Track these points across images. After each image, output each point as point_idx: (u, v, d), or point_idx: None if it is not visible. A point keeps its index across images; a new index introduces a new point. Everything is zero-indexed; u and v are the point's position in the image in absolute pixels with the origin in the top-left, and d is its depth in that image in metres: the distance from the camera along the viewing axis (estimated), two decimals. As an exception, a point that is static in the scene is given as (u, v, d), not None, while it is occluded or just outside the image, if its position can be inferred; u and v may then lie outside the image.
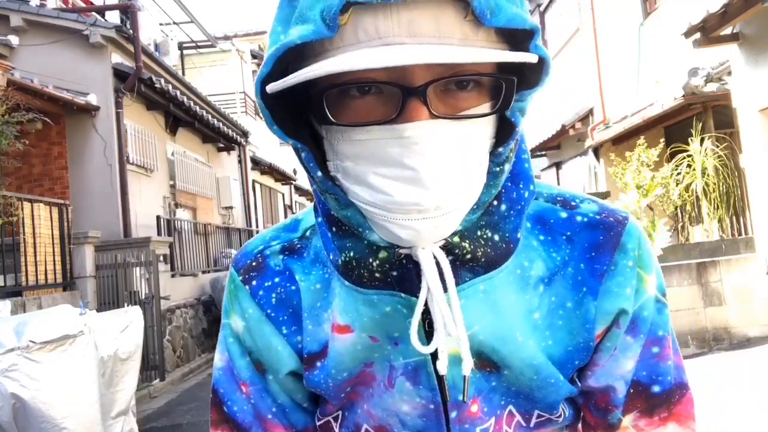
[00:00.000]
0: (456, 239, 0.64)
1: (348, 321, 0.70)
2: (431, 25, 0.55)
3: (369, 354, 0.71)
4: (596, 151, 11.09)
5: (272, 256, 0.76)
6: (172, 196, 10.58)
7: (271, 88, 0.57)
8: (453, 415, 0.70)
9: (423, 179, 0.57)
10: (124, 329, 4.63)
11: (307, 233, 0.77)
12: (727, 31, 6.46)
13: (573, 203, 0.72)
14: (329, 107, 0.59)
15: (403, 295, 0.66)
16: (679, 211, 8.00)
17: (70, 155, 8.56)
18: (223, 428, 0.79)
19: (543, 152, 14.24)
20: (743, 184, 7.22)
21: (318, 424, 0.80)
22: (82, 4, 11.94)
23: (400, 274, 0.65)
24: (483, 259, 0.65)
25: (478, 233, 0.65)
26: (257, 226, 15.47)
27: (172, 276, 9.19)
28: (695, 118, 7.70)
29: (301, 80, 0.55)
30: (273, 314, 0.74)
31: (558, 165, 13.83)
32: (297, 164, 23.72)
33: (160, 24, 14.64)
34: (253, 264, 0.76)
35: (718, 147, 7.49)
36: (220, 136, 12.54)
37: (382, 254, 0.64)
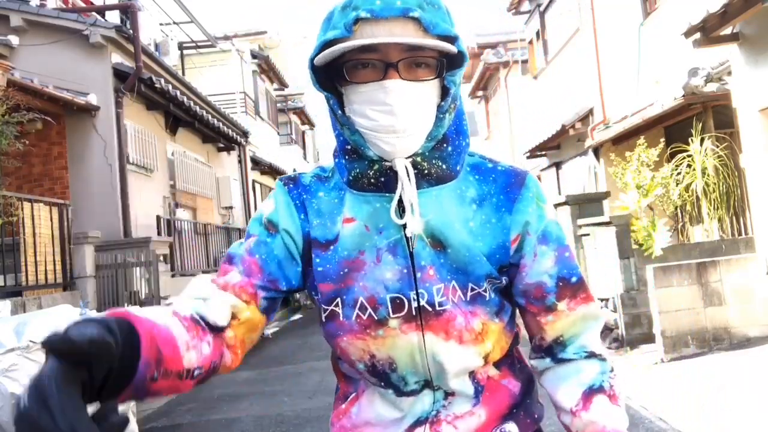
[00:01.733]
0: (418, 159, 1.04)
1: (353, 214, 1.08)
2: (401, 31, 0.98)
3: (362, 241, 1.07)
4: (596, 151, 11.09)
5: (305, 177, 1.18)
6: (172, 196, 10.59)
7: (318, 60, 1.02)
8: (419, 275, 1.06)
9: (396, 112, 0.99)
10: (124, 329, 4.63)
11: (330, 173, 1.17)
12: (727, 31, 6.46)
13: (495, 161, 1.16)
14: (347, 74, 1.02)
15: (387, 194, 1.05)
16: (679, 211, 8.00)
17: (70, 155, 8.57)
18: (219, 270, 1.12)
19: (543, 152, 14.23)
20: (743, 184, 7.21)
21: (324, 315, 1.10)
22: (82, 4, 11.94)
23: (385, 179, 1.05)
24: (435, 176, 1.06)
25: (433, 161, 1.06)
26: (257, 226, 15.44)
27: (172, 276, 9.19)
28: (695, 118, 7.70)
29: (336, 52, 0.99)
30: (299, 204, 1.13)
31: (558, 165, 13.83)
32: (296, 164, 23.76)
33: (160, 24, 14.64)
34: (292, 177, 1.19)
35: (718, 147, 7.48)
36: (220, 136, 12.54)
37: (376, 167, 1.05)
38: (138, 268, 7.75)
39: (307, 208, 1.13)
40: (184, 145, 11.41)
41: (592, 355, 1.12)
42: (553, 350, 1.13)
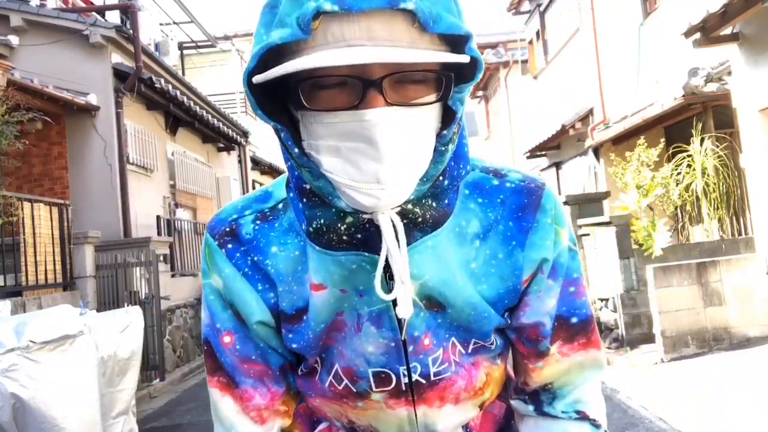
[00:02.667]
0: (409, 206, 0.77)
1: (321, 280, 0.82)
2: (385, 31, 0.67)
3: (340, 304, 0.83)
4: (596, 151, 11.09)
5: (245, 225, 0.87)
6: (172, 196, 10.58)
7: (257, 79, 0.70)
8: (411, 348, 0.85)
9: (381, 155, 0.69)
10: (124, 329, 4.63)
11: (280, 206, 0.88)
12: (727, 31, 6.45)
13: (502, 173, 0.88)
14: (304, 96, 0.71)
15: (366, 254, 0.79)
16: (679, 211, 7.99)
17: (70, 155, 8.56)
18: (219, 374, 0.92)
19: (543, 152, 14.22)
20: (743, 184, 7.21)
21: (302, 373, 0.93)
22: (82, 4, 11.93)
23: (364, 236, 0.78)
24: (430, 221, 0.80)
25: (423, 201, 0.78)
26: (257, 226, 15.43)
27: (172, 276, 9.19)
28: (695, 118, 7.70)
29: (281, 74, 0.68)
30: (250, 273, 0.86)
31: (558, 165, 13.82)
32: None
33: (160, 24, 14.63)
34: (227, 230, 0.88)
35: (718, 147, 7.48)
36: (220, 136, 12.54)
37: (349, 219, 0.77)
38: (138, 268, 7.75)
39: (263, 271, 0.86)
40: (184, 145, 11.40)
41: (584, 418, 0.92)
42: (539, 397, 0.94)
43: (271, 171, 17.44)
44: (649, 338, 6.69)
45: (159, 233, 9.25)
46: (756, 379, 5.08)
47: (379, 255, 0.77)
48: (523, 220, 0.85)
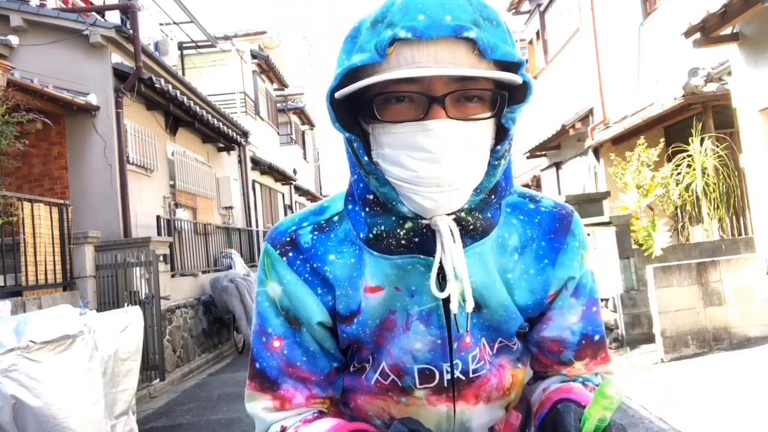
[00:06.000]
0: (462, 214, 0.87)
1: (378, 282, 0.92)
2: (449, 56, 0.78)
3: (393, 302, 0.92)
4: (596, 151, 11.09)
5: (303, 235, 0.96)
6: (172, 196, 10.58)
7: (340, 94, 0.82)
8: (455, 346, 0.94)
9: (441, 160, 0.79)
10: (124, 329, 4.63)
11: (335, 218, 0.97)
12: (727, 31, 6.45)
13: (536, 199, 1.01)
14: (377, 110, 0.83)
15: (422, 256, 0.88)
16: (679, 211, 7.99)
17: (70, 155, 8.56)
18: (255, 381, 0.99)
19: (543, 152, 14.22)
20: (743, 184, 7.21)
21: (353, 370, 1.00)
22: (82, 4, 11.93)
23: (420, 240, 0.88)
24: (480, 229, 0.90)
25: (475, 213, 0.89)
26: (257, 226, 15.45)
27: (172, 276, 9.19)
28: (695, 118, 7.70)
29: (362, 86, 0.80)
30: (310, 278, 0.94)
31: (558, 165, 13.82)
32: (296, 164, 23.66)
33: (160, 24, 14.63)
34: (288, 240, 0.96)
35: (718, 147, 7.49)
36: (220, 136, 12.54)
37: (408, 225, 0.87)
38: (138, 268, 7.75)
39: (322, 276, 0.94)
40: (184, 145, 11.40)
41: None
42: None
43: (271, 171, 17.43)
44: (649, 338, 6.69)
45: (159, 233, 9.25)
46: (756, 379, 5.08)
47: (433, 257, 0.87)
48: (555, 241, 0.97)
